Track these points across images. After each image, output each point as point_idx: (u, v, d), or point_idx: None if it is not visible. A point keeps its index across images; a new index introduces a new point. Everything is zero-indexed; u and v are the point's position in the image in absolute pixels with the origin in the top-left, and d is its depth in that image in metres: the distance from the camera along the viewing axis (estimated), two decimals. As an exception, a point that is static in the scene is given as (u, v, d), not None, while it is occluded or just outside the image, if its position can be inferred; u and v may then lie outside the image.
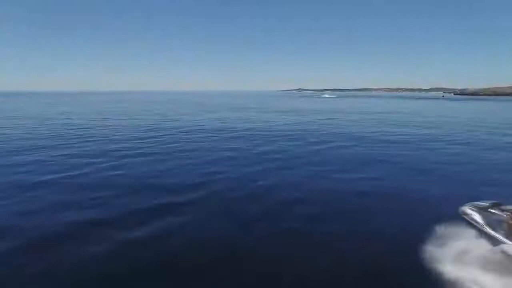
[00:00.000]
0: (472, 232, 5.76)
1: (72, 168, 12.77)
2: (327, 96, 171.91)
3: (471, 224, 6.00)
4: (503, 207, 6.11)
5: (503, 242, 5.22)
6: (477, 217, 6.06)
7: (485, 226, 5.79)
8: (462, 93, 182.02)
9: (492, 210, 6.13)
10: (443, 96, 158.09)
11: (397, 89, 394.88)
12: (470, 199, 6.72)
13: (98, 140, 20.04)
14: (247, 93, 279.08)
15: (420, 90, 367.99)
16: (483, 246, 5.36)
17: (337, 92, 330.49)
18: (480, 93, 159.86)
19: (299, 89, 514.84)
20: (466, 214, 6.29)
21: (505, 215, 5.73)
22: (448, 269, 5.04)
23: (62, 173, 11.95)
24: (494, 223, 5.75)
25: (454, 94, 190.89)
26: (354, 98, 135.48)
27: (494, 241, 5.38)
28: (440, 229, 6.02)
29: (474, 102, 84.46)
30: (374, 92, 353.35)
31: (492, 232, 5.57)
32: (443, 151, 16.97)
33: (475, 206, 6.41)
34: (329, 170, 12.73)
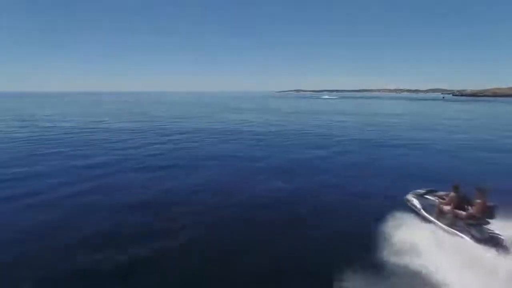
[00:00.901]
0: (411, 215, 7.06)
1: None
2: (327, 97, 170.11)
3: (411, 208, 7.30)
4: (436, 193, 7.36)
5: (434, 223, 6.55)
6: (415, 202, 7.35)
7: (421, 210, 7.07)
8: (461, 94, 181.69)
9: (427, 196, 7.41)
10: (443, 97, 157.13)
11: (395, 90, 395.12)
12: None
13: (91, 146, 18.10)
14: (246, 94, 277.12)
15: (417, 91, 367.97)
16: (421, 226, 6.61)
17: (335, 93, 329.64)
18: (479, 94, 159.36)
19: (297, 90, 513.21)
20: (408, 201, 7.56)
21: (436, 200, 7.01)
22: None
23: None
24: (428, 207, 7.03)
25: (453, 95, 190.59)
26: (357, 100, 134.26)
27: (427, 222, 6.70)
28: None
29: (480, 104, 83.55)
30: (372, 93, 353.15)
31: (426, 215, 6.83)
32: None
33: (415, 194, 7.66)
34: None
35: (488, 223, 5.97)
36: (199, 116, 41.09)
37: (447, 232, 6.18)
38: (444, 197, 6.97)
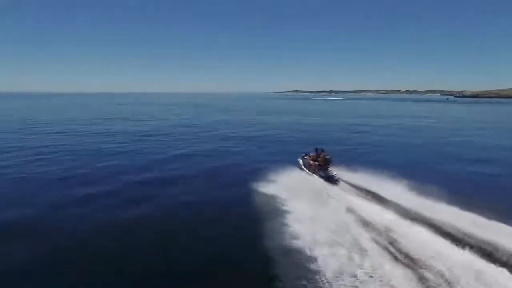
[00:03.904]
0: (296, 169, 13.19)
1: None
2: (331, 98, 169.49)
3: (298, 165, 13.43)
4: (309, 154, 12.88)
5: (305, 171, 12.62)
6: (300, 161, 13.50)
7: (302, 165, 13.18)
8: (463, 95, 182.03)
9: (305, 157, 13.10)
10: (447, 98, 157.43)
11: (393, 91, 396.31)
12: None
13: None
14: (249, 95, 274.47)
15: (416, 92, 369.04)
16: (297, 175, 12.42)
17: (333, 94, 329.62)
18: (482, 96, 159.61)
19: (295, 90, 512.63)
20: (298, 161, 13.64)
21: (307, 158, 12.82)
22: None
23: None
24: (305, 163, 12.93)
25: (455, 96, 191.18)
26: (363, 101, 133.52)
27: (302, 170, 12.83)
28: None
29: (494, 106, 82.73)
30: (370, 94, 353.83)
31: (303, 167, 12.97)
32: None
33: (301, 156, 13.60)
34: None
35: (328, 167, 11.46)
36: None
37: (310, 175, 11.96)
38: (311, 155, 12.52)
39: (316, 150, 12.46)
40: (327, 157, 11.70)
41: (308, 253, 6.55)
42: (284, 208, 8.89)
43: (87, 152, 18.16)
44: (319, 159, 11.85)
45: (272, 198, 9.80)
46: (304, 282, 5.82)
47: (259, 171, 12.49)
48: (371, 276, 5.80)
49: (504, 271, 5.88)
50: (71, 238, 7.87)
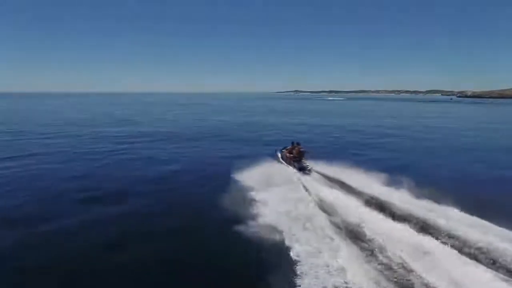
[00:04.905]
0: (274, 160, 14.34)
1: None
2: (333, 98, 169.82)
3: (276, 157, 14.59)
4: (286, 148, 14.10)
5: (282, 162, 13.77)
6: (278, 153, 14.68)
7: (279, 158, 14.31)
8: (465, 95, 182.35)
9: (283, 150, 14.30)
10: (451, 99, 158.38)
11: (393, 91, 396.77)
12: None
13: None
14: (249, 95, 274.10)
15: (417, 92, 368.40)
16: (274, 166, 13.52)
17: (334, 94, 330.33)
18: (485, 96, 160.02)
19: (296, 91, 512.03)
20: (275, 153, 14.86)
21: (284, 151, 14.04)
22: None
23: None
24: (283, 156, 14.00)
25: (457, 96, 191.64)
26: (368, 101, 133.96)
27: (280, 162, 13.94)
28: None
29: (504, 107, 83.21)
30: (372, 94, 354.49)
31: (281, 159, 14.11)
32: None
33: (278, 149, 14.93)
34: None
35: (302, 159, 12.65)
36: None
37: (285, 165, 13.20)
38: (288, 148, 13.80)
39: (292, 143, 13.64)
40: (301, 150, 12.92)
41: None
42: (288, 252, 6.61)
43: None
44: (293, 151, 12.97)
45: (274, 230, 7.46)
46: None
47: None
48: None
49: None
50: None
